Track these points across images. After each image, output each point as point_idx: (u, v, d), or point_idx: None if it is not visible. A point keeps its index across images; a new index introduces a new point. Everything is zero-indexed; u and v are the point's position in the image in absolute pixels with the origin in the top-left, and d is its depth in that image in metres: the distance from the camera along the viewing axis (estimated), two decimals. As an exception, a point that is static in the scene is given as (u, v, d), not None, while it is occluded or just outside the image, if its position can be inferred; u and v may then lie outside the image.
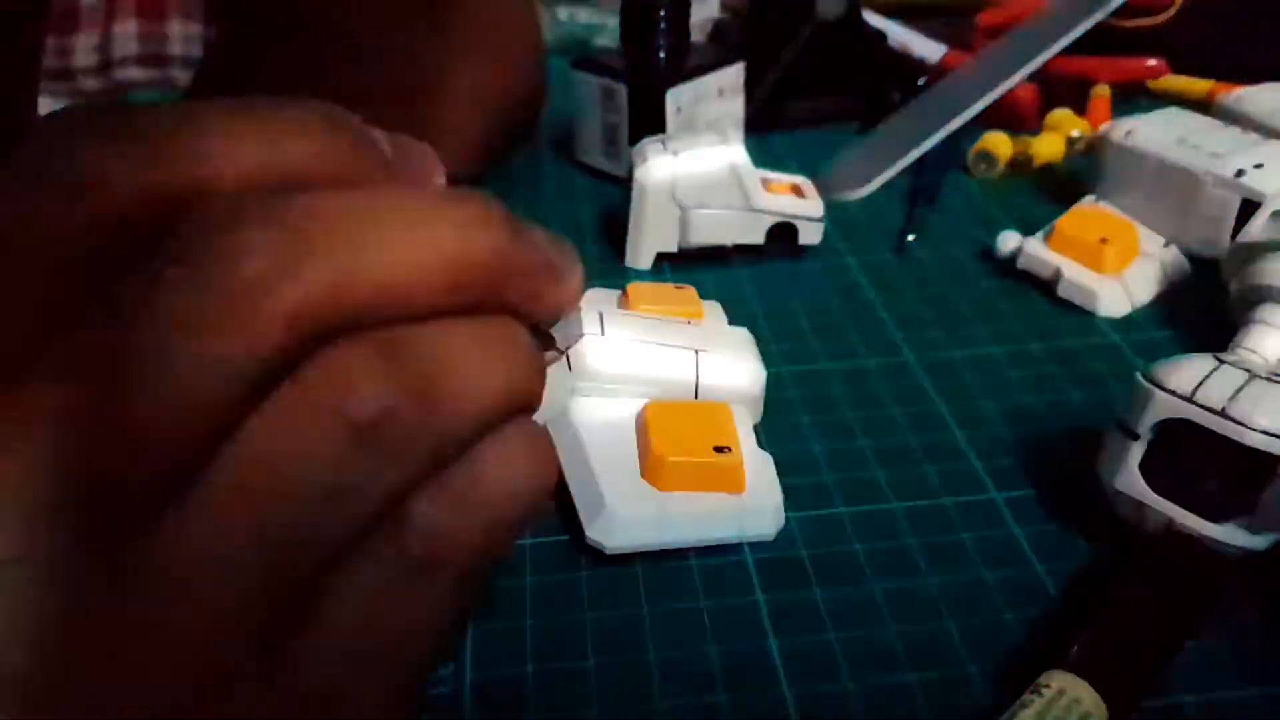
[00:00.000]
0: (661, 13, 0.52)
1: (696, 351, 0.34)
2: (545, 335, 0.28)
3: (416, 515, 0.18)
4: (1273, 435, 0.26)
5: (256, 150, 0.18)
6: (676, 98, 0.53)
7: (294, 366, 0.17)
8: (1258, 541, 0.27)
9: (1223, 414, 0.26)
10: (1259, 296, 0.36)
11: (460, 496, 0.19)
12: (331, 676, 0.18)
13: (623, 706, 0.26)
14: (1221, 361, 0.28)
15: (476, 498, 0.19)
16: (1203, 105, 0.56)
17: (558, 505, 0.31)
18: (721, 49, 0.58)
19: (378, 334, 0.17)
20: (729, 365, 0.34)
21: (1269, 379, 0.27)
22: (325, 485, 0.17)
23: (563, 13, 0.80)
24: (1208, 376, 0.27)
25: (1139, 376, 0.29)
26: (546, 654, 0.27)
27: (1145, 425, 0.28)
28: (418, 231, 0.18)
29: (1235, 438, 0.26)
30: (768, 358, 0.38)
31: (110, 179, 0.17)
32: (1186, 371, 0.28)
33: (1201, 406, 0.27)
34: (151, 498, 0.16)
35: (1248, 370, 0.27)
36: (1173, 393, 0.27)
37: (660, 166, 0.45)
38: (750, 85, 0.58)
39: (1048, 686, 0.24)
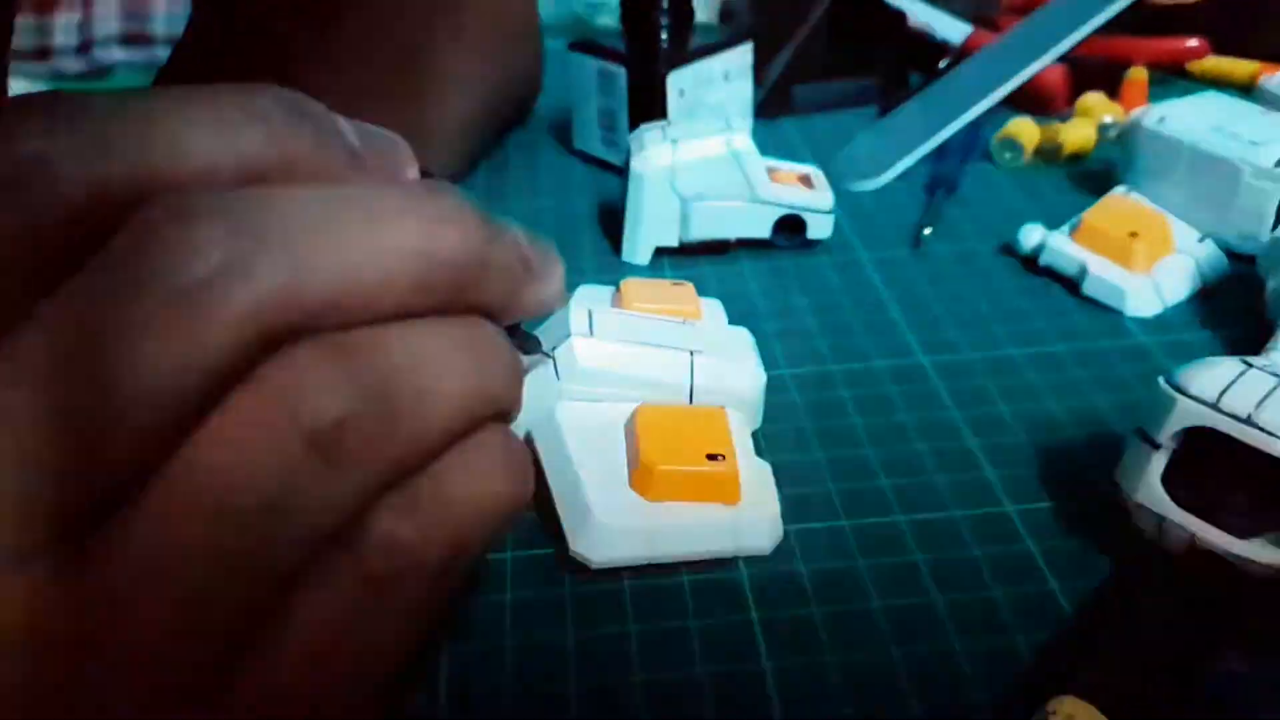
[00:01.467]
0: (664, -10, 0.52)
1: (691, 353, 0.34)
2: (530, 337, 0.28)
3: (376, 530, 0.18)
4: (1303, 445, 0.26)
5: (211, 141, 0.18)
6: (678, 81, 0.53)
7: (248, 371, 0.17)
8: (1286, 558, 0.27)
9: (1249, 421, 0.26)
10: (1298, 295, 0.36)
11: (424, 510, 0.19)
12: (288, 699, 0.18)
13: (605, 732, 0.26)
14: (1250, 365, 0.28)
15: (441, 511, 0.19)
16: (1246, 89, 0.56)
17: (541, 516, 0.32)
18: (729, 30, 0.57)
19: (335, 337, 0.17)
20: (726, 368, 0.34)
21: (1299, 385, 0.27)
22: (277, 498, 0.17)
23: (564, -10, 0.80)
24: (1234, 382, 0.27)
25: (1161, 382, 0.28)
26: (527, 675, 0.27)
27: (1167, 434, 0.28)
28: (380, 228, 0.18)
29: (1263, 447, 0.26)
30: (770, 359, 0.38)
31: (56, 173, 0.17)
32: (1211, 376, 0.28)
33: (1227, 414, 0.27)
34: (99, 505, 0.16)
35: (1277, 375, 0.27)
36: (1196, 399, 0.27)
37: (659, 155, 0.45)
38: (759, 68, 0.58)
39: (1054, 713, 0.24)
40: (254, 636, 0.17)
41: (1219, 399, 0.27)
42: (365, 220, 0.18)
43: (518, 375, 0.22)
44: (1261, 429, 0.26)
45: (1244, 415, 0.26)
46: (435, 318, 0.19)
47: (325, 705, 0.18)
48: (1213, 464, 0.28)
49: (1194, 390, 0.27)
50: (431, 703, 0.26)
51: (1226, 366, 0.28)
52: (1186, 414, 0.27)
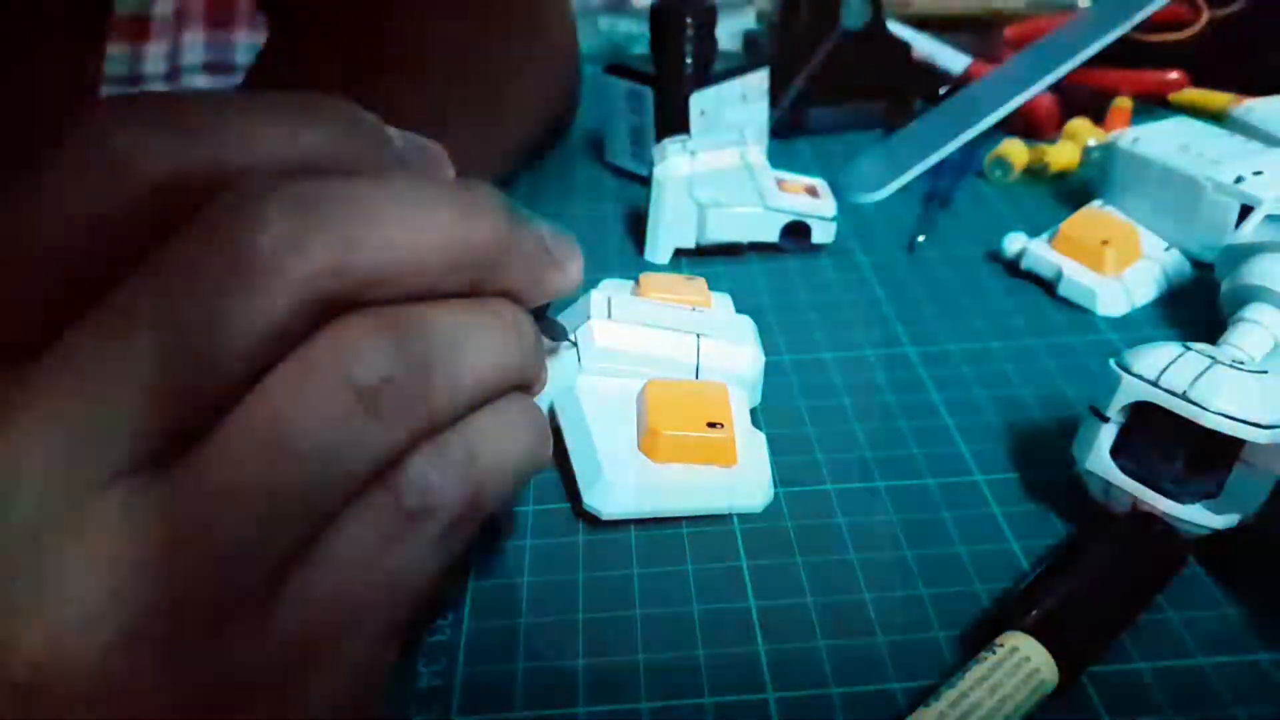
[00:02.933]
0: (689, 19, 0.53)
1: (699, 336, 0.35)
2: (556, 324, 0.30)
3: (411, 471, 0.20)
4: (1229, 418, 0.27)
5: (276, 141, 0.19)
6: (700, 102, 0.54)
7: (305, 334, 0.18)
8: (1220, 521, 0.28)
9: (1184, 397, 0.27)
10: (1247, 296, 0.37)
11: (451, 459, 0.20)
12: (322, 617, 0.19)
13: (608, 655, 0.27)
14: (1188, 349, 0.29)
15: (466, 461, 0.20)
16: (1219, 118, 0.56)
17: (560, 475, 0.33)
18: (750, 57, 0.59)
19: (382, 309, 0.19)
20: (729, 349, 0.35)
21: (1230, 365, 0.28)
22: (328, 441, 0.18)
23: (604, 22, 0.82)
24: (1173, 362, 0.28)
25: (1112, 363, 0.30)
26: (540, 608, 0.29)
27: (1114, 408, 0.29)
28: (420, 214, 0.20)
29: (1195, 419, 0.27)
30: (772, 346, 0.40)
31: (144, 163, 0.18)
32: (1154, 357, 0.29)
33: (1165, 390, 0.28)
34: (181, 436, 0.17)
35: (1211, 357, 0.28)
36: (1139, 377, 0.28)
37: (679, 165, 0.47)
38: (777, 92, 0.60)
39: (1002, 645, 0.25)
40: (303, 554, 0.19)
41: (1159, 377, 0.28)
42: (406, 206, 0.19)
43: (537, 350, 0.23)
44: (1194, 403, 0.27)
45: (1180, 391, 0.28)
46: (467, 298, 0.21)
47: (353, 626, 0.19)
48: (1155, 436, 0.29)
49: (1137, 369, 0.29)
50: (456, 627, 0.28)
51: (1168, 349, 0.29)
52: (1131, 389, 0.29)
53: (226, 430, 0.18)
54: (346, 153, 0.20)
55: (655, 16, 0.55)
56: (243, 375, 0.18)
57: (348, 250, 0.18)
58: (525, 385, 0.23)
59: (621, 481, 0.31)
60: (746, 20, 0.78)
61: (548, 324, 0.29)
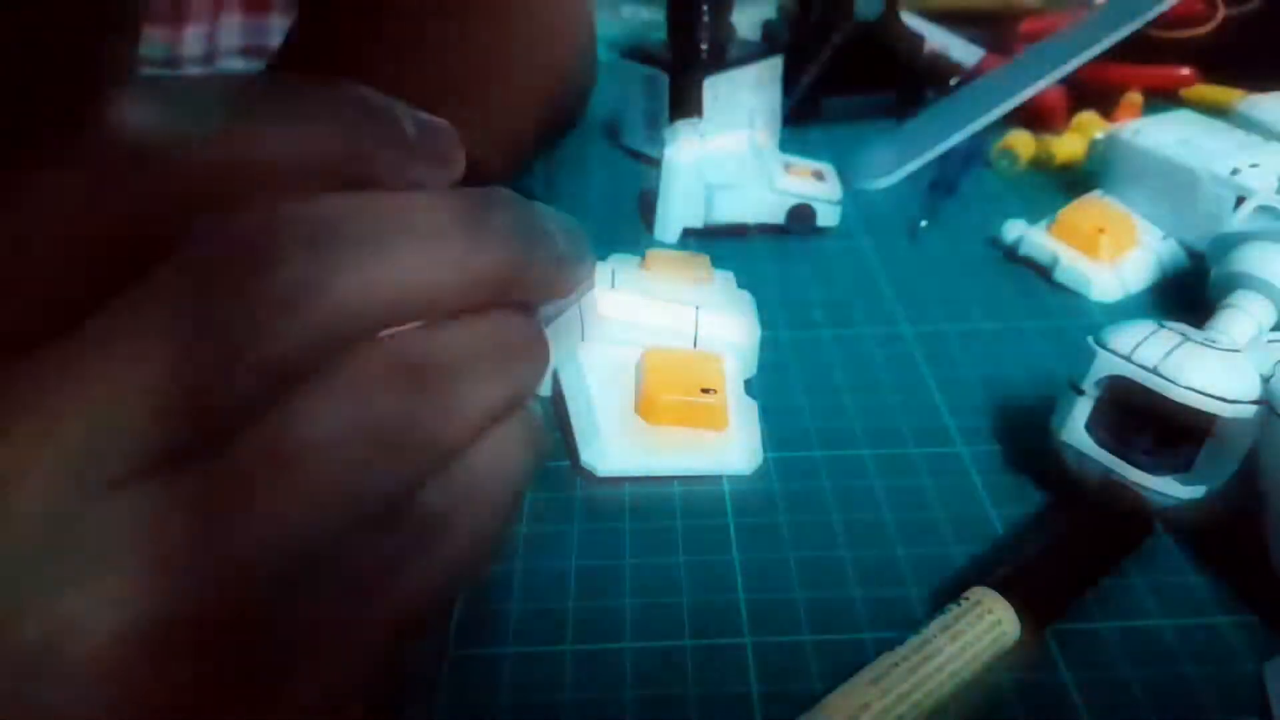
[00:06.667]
0: (704, 6, 0.55)
1: (697, 307, 0.37)
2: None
3: (419, 502, 0.20)
4: (1197, 392, 0.28)
5: (292, 137, 0.19)
6: (714, 87, 0.55)
7: (317, 365, 0.18)
8: (1187, 493, 0.29)
9: (1155, 371, 0.29)
10: (1235, 283, 0.38)
11: (459, 487, 0.20)
12: (320, 645, 0.19)
13: (596, 600, 0.28)
14: (1162, 326, 0.30)
15: (473, 487, 0.20)
16: (1230, 114, 0.57)
17: (561, 437, 0.35)
18: (766, 45, 0.60)
19: (397, 344, 0.19)
20: (726, 321, 0.37)
21: (1201, 343, 0.29)
22: (340, 481, 0.18)
23: (626, 10, 0.83)
24: (1146, 338, 0.29)
25: (1090, 340, 0.31)
26: (536, 555, 0.30)
27: (1090, 382, 0.30)
28: (438, 246, 0.19)
29: (1164, 393, 0.28)
30: (772, 322, 0.41)
31: (155, 157, 0.18)
32: (1129, 334, 0.30)
33: (1137, 365, 0.29)
34: (179, 455, 0.17)
35: (1183, 335, 0.29)
36: (1114, 352, 0.30)
37: (689, 147, 0.48)
38: (792, 80, 0.61)
39: (968, 599, 0.26)
40: (307, 580, 0.19)
41: (1132, 352, 0.29)
42: (422, 238, 0.19)
43: (544, 364, 0.23)
44: (1164, 377, 0.28)
45: (1151, 366, 0.29)
46: (479, 317, 0.21)
47: (355, 648, 0.20)
48: (1129, 410, 0.30)
49: (1112, 345, 0.30)
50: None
51: (1143, 327, 0.30)
52: (1105, 364, 0.30)
53: (236, 457, 0.17)
54: (361, 151, 0.20)
55: (672, 3, 0.56)
56: (253, 402, 0.18)
57: (365, 289, 0.18)
58: (527, 399, 0.23)
59: (617, 441, 0.33)
60: (767, 10, 0.79)
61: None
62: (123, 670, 0.17)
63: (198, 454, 0.17)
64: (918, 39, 0.64)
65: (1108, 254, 0.44)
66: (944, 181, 0.54)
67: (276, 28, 1.03)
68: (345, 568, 0.19)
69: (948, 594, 0.28)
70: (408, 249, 0.19)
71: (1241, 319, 0.36)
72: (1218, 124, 0.48)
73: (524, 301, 0.22)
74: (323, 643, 0.19)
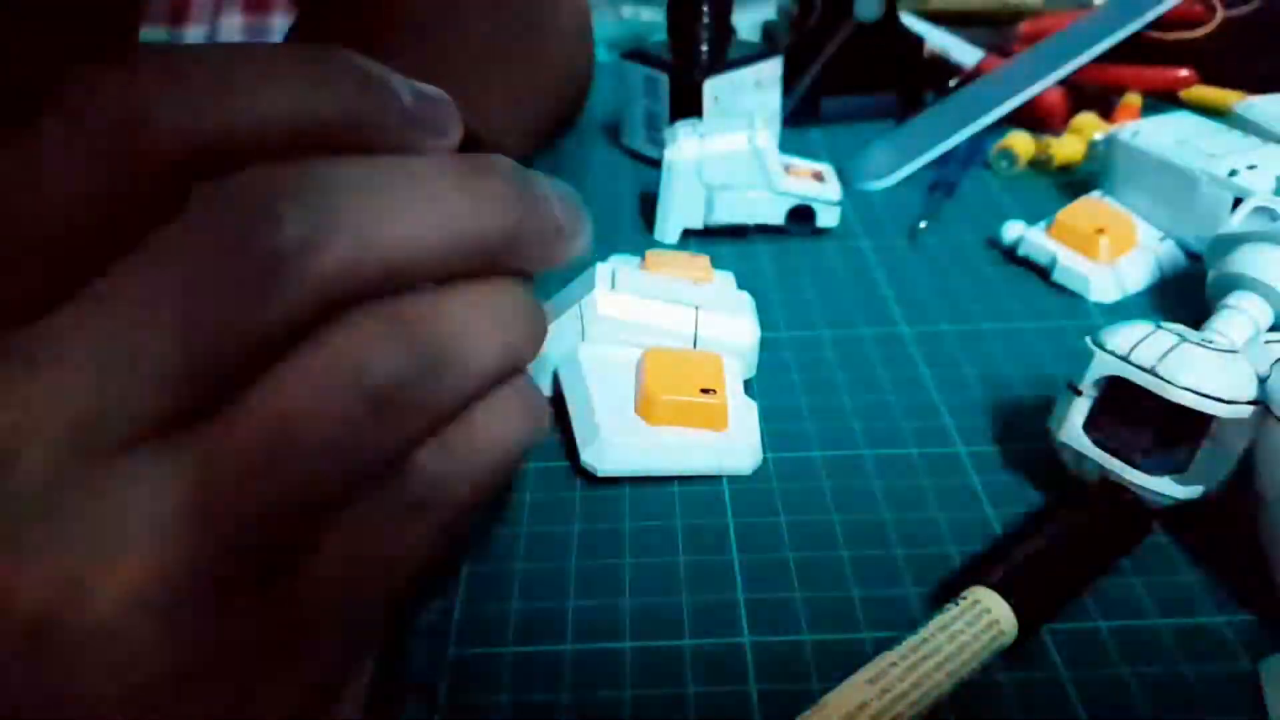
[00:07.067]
0: (704, 7, 0.55)
1: (697, 308, 0.37)
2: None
3: (416, 465, 0.20)
4: (1194, 392, 0.28)
5: (288, 102, 0.19)
6: (714, 88, 0.56)
7: (314, 328, 0.18)
8: (1184, 493, 0.29)
9: (1152, 372, 0.29)
10: (1233, 284, 0.38)
11: (458, 449, 0.21)
12: (319, 599, 0.19)
13: (596, 598, 0.29)
14: (1159, 327, 0.30)
15: (471, 451, 0.21)
16: (1226, 114, 0.57)
17: (561, 436, 0.35)
18: (767, 46, 0.60)
19: (392, 306, 0.19)
20: (726, 321, 0.37)
21: (1199, 344, 0.29)
22: (337, 441, 0.18)
23: (627, 11, 0.83)
24: (1144, 339, 0.29)
25: (1088, 340, 0.31)
26: (536, 555, 0.30)
27: (1088, 382, 0.30)
28: (433, 207, 0.19)
29: (1161, 393, 0.28)
30: (771, 323, 0.41)
31: (152, 126, 0.17)
32: (1126, 334, 0.30)
33: (1135, 365, 0.29)
34: (181, 418, 0.17)
35: (1180, 335, 0.29)
36: (1111, 352, 0.30)
37: (689, 147, 0.48)
38: (791, 81, 0.61)
39: (966, 598, 0.26)
40: (306, 537, 0.19)
41: (1130, 353, 0.29)
42: (420, 199, 0.19)
43: (541, 333, 0.23)
44: (1161, 378, 0.28)
45: (1149, 366, 0.29)
46: (475, 282, 0.21)
47: (352, 603, 0.20)
48: (1126, 411, 0.30)
49: (1110, 345, 0.30)
50: (455, 570, 0.30)
51: (1140, 327, 0.30)
52: (1103, 364, 0.30)
53: (234, 421, 0.18)
54: (357, 116, 0.20)
55: (673, 4, 0.56)
56: (251, 364, 0.18)
57: (361, 249, 0.18)
58: (523, 366, 0.23)
59: (617, 441, 0.33)
60: (767, 11, 0.80)
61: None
62: (127, 633, 0.17)
63: (199, 416, 0.17)
64: (917, 40, 0.64)
65: (1106, 255, 0.44)
66: (943, 182, 0.54)
67: (277, 28, 1.03)
68: (346, 528, 0.19)
69: (946, 594, 0.28)
70: (405, 209, 0.19)
71: (1239, 320, 0.36)
72: (1216, 125, 0.48)
73: (520, 269, 0.22)
74: (326, 602, 0.19)
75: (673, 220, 0.49)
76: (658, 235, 0.50)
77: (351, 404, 0.18)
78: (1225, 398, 0.28)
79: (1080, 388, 0.31)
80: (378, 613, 0.21)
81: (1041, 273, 0.46)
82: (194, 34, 0.99)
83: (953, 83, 0.65)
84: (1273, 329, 0.36)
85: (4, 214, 0.18)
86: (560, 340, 0.37)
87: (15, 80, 0.21)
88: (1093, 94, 0.63)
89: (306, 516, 0.18)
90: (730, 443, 0.33)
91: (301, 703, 0.20)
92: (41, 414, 0.17)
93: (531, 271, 0.22)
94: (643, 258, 0.42)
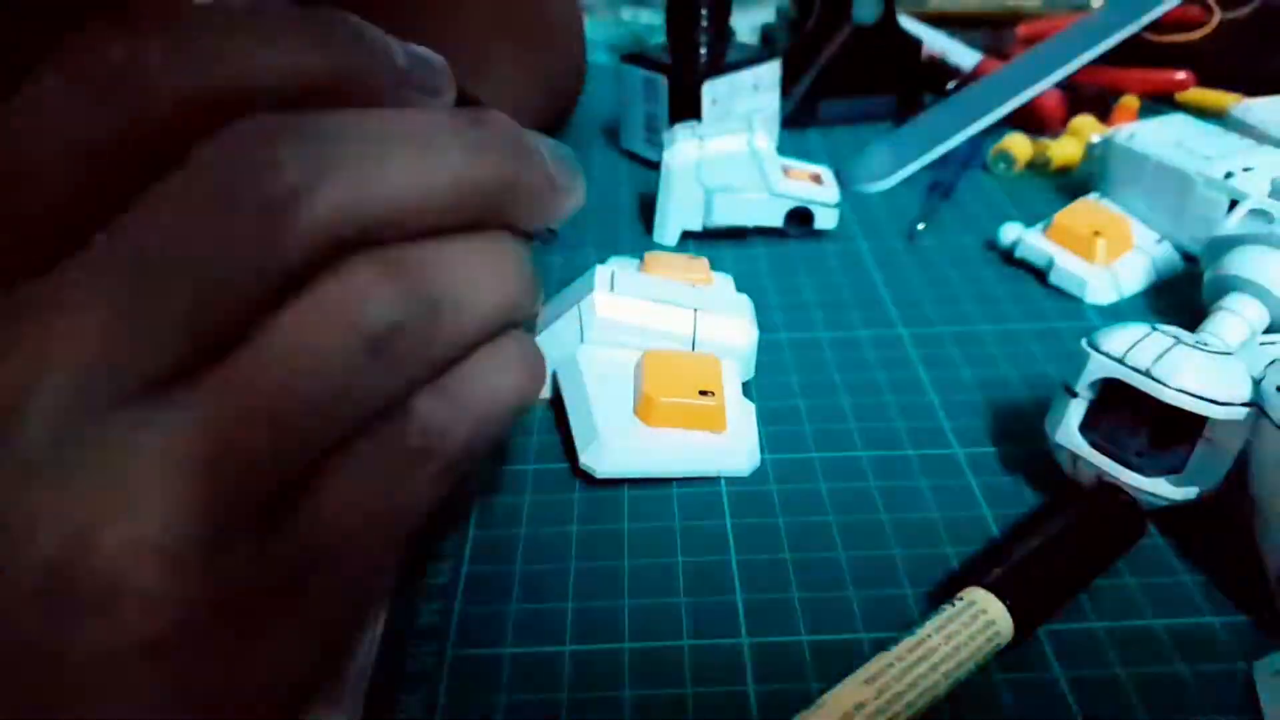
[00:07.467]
0: (703, 10, 0.55)
1: (695, 310, 0.37)
2: (548, 230, 0.30)
3: (416, 411, 0.20)
4: (1188, 394, 0.28)
5: (284, 59, 0.19)
6: (712, 90, 0.56)
7: (313, 274, 0.18)
8: (1180, 494, 0.29)
9: (1147, 374, 0.29)
10: (1228, 286, 0.38)
11: (455, 398, 0.21)
12: (322, 544, 0.20)
13: (595, 601, 0.29)
14: (1154, 329, 0.30)
15: (469, 400, 0.21)
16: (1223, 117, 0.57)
17: (560, 437, 0.35)
18: (766, 49, 0.60)
19: (389, 252, 0.19)
20: (724, 323, 0.37)
21: (1194, 346, 0.29)
22: (337, 385, 0.18)
23: (626, 13, 0.83)
24: (1139, 341, 0.30)
25: (1083, 342, 0.31)
26: (535, 556, 0.30)
27: (1083, 384, 0.30)
28: (429, 155, 0.20)
29: (1156, 395, 0.29)
30: (770, 325, 0.41)
31: (147, 81, 0.17)
32: (1122, 336, 0.30)
33: (1130, 367, 0.29)
34: (183, 368, 0.18)
35: (1175, 338, 0.29)
36: (1107, 354, 0.30)
37: (688, 150, 0.48)
38: (790, 84, 0.61)
39: (962, 599, 0.26)
40: (311, 481, 0.19)
41: (1125, 355, 0.30)
42: (416, 146, 0.19)
43: (535, 286, 0.23)
44: (1156, 380, 0.29)
45: (1143, 368, 0.29)
46: (470, 234, 0.21)
47: (356, 550, 0.20)
48: (1122, 412, 0.30)
49: (1105, 347, 0.30)
50: (455, 570, 0.30)
51: (1136, 329, 0.30)
52: (1098, 366, 0.30)
53: (236, 366, 0.18)
54: (352, 72, 0.20)
55: (671, 7, 0.56)
56: (253, 310, 0.18)
57: (358, 194, 0.18)
58: (521, 320, 0.23)
59: (616, 443, 0.33)
60: (766, 14, 0.80)
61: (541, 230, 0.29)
62: (137, 581, 0.17)
63: (202, 364, 0.18)
64: (915, 43, 0.64)
65: (1103, 257, 0.45)
66: (941, 184, 0.55)
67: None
68: (348, 473, 0.20)
69: (943, 594, 0.28)
70: (402, 156, 0.19)
71: (1234, 322, 0.36)
72: (1213, 128, 0.48)
73: (515, 223, 0.22)
74: (329, 548, 0.20)
75: (671, 222, 0.50)
76: (656, 237, 0.50)
77: (351, 347, 0.18)
78: (1220, 399, 0.28)
79: (1076, 389, 0.31)
80: (382, 562, 0.21)
81: (1039, 275, 0.46)
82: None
83: (951, 85, 0.65)
84: (1267, 331, 0.36)
85: (7, 166, 0.18)
86: (559, 342, 0.37)
87: (18, 35, 0.21)
88: (1090, 96, 0.63)
89: (308, 460, 0.19)
90: (728, 444, 0.33)
91: (311, 652, 0.21)
92: (48, 365, 0.17)
93: (526, 227, 0.23)
94: (642, 260, 0.42)
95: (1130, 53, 0.63)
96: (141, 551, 0.17)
